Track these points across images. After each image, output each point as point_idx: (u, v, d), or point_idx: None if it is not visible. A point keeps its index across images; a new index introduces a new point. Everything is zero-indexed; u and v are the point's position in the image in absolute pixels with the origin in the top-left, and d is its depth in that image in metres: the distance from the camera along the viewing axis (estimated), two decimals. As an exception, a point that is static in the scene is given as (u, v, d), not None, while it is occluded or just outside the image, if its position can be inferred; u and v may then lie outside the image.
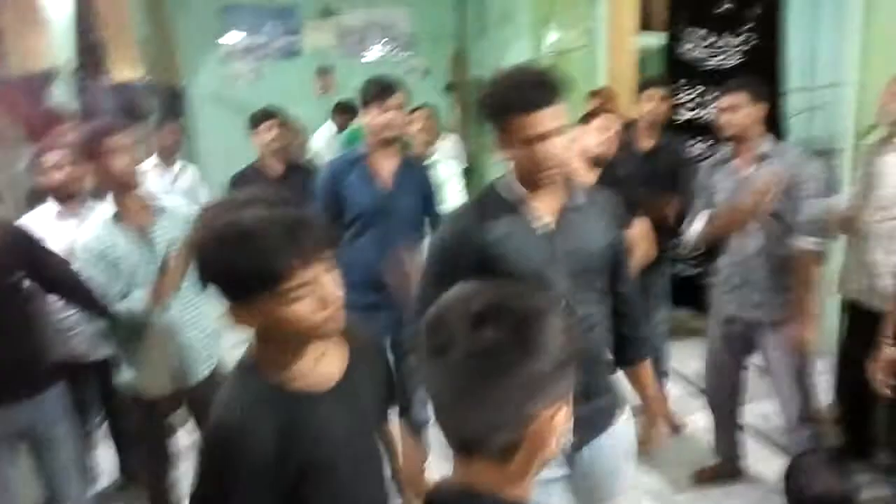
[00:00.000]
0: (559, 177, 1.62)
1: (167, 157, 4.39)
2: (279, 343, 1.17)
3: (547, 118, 1.52)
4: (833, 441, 2.88)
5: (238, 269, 1.07)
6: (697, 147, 4.13)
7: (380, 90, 2.66)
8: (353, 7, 7.64)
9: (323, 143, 5.53)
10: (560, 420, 0.83)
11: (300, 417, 1.16)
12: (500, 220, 1.62)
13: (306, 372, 1.19)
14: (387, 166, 2.74)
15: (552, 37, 5.68)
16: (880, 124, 2.67)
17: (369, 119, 2.68)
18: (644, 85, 3.56)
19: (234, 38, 7.46)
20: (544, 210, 1.65)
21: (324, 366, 1.22)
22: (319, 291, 1.12)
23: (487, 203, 1.67)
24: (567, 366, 0.82)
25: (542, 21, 5.79)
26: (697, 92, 4.32)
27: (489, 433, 0.81)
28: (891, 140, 2.61)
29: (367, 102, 2.67)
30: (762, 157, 2.62)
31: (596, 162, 2.89)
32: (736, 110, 2.62)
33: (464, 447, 0.84)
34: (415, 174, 2.84)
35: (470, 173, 4.56)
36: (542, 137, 1.54)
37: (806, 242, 2.53)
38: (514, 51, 6.19)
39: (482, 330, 0.79)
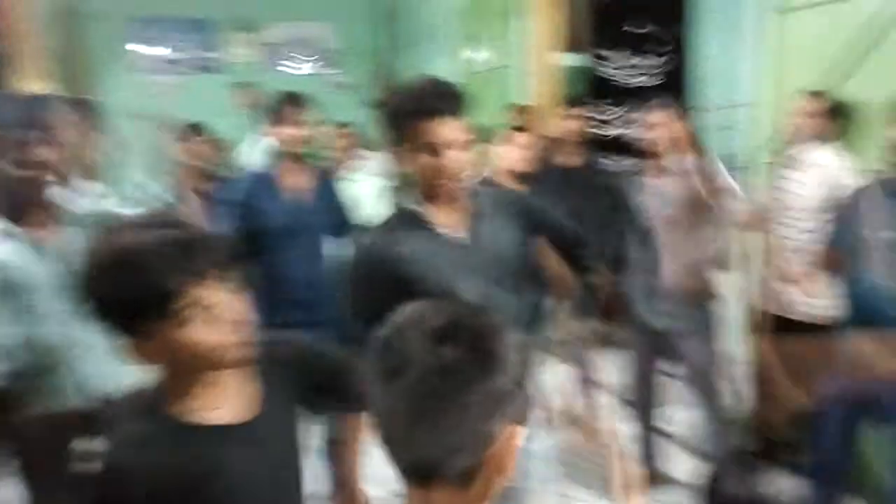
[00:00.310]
0: (461, 188, 1.65)
1: (87, 171, 4.21)
2: (184, 374, 1.10)
3: (451, 127, 1.56)
4: (753, 444, 2.99)
5: (125, 293, 1.02)
6: (620, 164, 4.24)
7: (287, 105, 2.64)
8: (275, 21, 7.54)
9: (257, 155, 5.40)
10: (517, 440, 0.81)
11: (203, 454, 1.10)
12: (410, 236, 1.64)
13: (213, 405, 1.12)
14: (299, 181, 2.71)
15: (477, 54, 5.75)
16: (791, 141, 2.82)
17: (277, 133, 2.66)
18: (567, 103, 3.64)
19: (151, 51, 7.24)
20: (451, 220, 1.67)
21: (233, 398, 1.15)
22: (217, 311, 1.07)
23: (397, 220, 1.69)
24: (522, 383, 0.81)
25: (467, 38, 5.86)
26: (619, 110, 4.46)
27: (449, 456, 0.78)
28: (800, 156, 2.75)
29: (275, 117, 2.65)
30: (683, 172, 2.71)
31: (520, 178, 2.94)
32: (662, 127, 2.71)
33: (420, 473, 0.81)
34: (329, 188, 2.83)
35: (399, 191, 4.56)
36: (446, 146, 1.57)
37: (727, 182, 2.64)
38: (440, 67, 6.22)
39: (441, 348, 0.77)
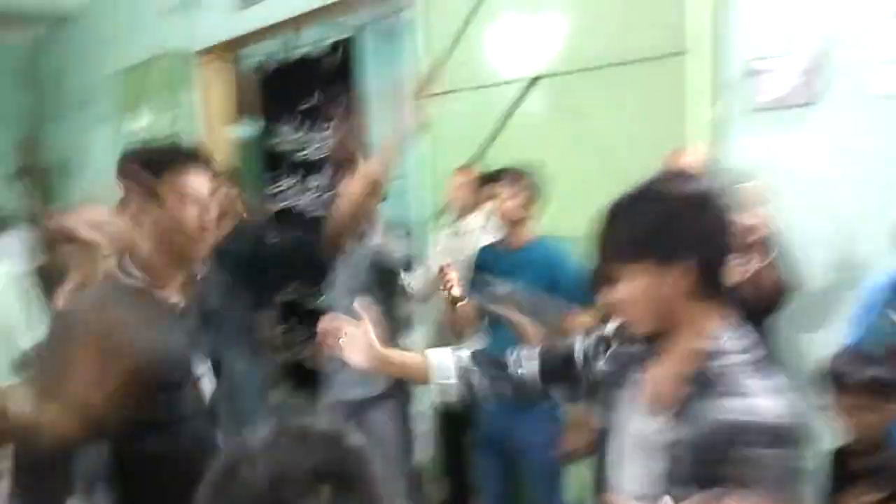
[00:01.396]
0: (204, 244, 1.57)
1: None
2: None
3: (203, 180, 1.54)
4: (439, 495, 3.11)
5: None
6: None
7: None
8: None
9: None
10: None
11: None
12: (130, 311, 1.47)
13: None
14: None
15: (139, 122, 5.41)
16: (449, 211, 3.07)
17: None
18: (229, 175, 3.50)
19: None
20: (176, 286, 1.58)
21: None
22: None
23: (108, 294, 1.50)
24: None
25: (127, 105, 5.48)
26: (291, 182, 4.48)
27: None
28: (456, 224, 2.99)
29: None
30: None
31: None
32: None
33: None
34: None
35: (44, 272, 3.98)
36: (196, 199, 1.52)
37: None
38: (96, 135, 5.76)
39: (316, 489, 0.67)
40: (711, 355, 1.07)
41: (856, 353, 1.82)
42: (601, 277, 1.20)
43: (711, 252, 1.07)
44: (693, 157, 2.30)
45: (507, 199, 2.49)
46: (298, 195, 4.43)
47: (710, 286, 1.07)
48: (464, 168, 3.02)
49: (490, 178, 2.62)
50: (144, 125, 5.34)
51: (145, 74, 5.22)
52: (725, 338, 1.08)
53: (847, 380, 1.72)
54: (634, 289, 1.08)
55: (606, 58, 2.67)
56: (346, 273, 2.81)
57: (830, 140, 2.24)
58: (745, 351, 1.08)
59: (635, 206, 1.10)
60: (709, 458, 1.01)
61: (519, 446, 2.52)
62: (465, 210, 2.99)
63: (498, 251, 2.61)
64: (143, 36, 5.18)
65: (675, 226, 1.05)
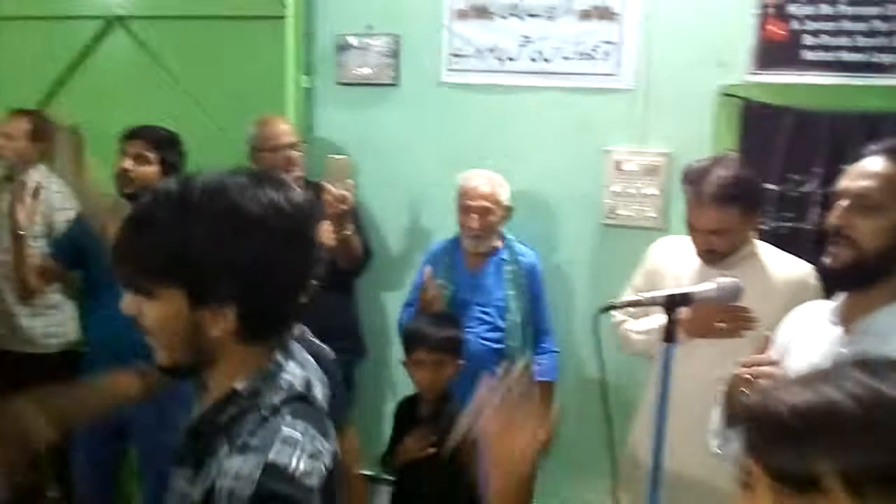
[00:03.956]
0: None
1: None
2: None
3: None
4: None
5: None
6: None
7: None
8: None
9: None
10: None
11: None
12: None
13: None
14: None
15: None
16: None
17: None
18: None
19: None
20: None
21: None
22: None
23: None
24: None
25: None
26: None
27: None
28: (15, 177, 2.51)
29: None
30: None
31: None
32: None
33: None
34: None
35: None
36: None
37: None
38: None
39: None
40: (240, 398, 0.90)
41: (433, 315, 2.04)
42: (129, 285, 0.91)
43: (258, 294, 0.88)
44: (284, 125, 2.33)
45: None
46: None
47: (255, 328, 0.90)
48: (22, 112, 2.56)
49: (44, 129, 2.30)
50: None
51: None
52: (261, 380, 0.91)
53: (424, 338, 1.91)
54: (163, 313, 0.88)
55: (199, 9, 2.57)
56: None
57: (407, 119, 2.47)
58: (283, 390, 0.92)
59: (175, 213, 0.86)
60: None
61: (134, 433, 2.30)
62: (24, 162, 2.54)
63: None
64: None
65: (218, 258, 0.85)
